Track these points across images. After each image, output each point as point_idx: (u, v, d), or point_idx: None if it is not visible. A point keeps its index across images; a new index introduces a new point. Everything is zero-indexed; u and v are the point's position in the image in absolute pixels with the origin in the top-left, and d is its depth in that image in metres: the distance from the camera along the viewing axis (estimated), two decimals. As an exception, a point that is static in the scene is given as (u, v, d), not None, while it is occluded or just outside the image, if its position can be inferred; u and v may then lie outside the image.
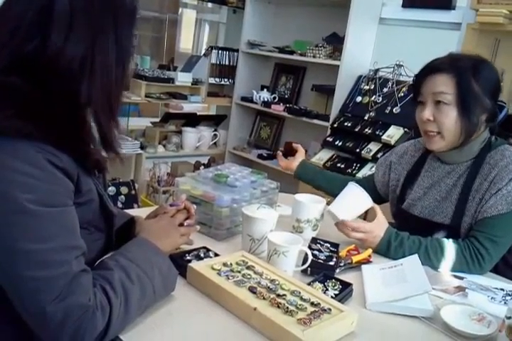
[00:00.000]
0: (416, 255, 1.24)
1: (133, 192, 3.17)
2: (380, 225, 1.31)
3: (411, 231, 1.35)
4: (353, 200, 1.33)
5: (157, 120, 3.79)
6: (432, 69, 1.34)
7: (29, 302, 0.73)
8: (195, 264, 1.06)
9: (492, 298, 1.15)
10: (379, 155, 2.76)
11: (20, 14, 0.77)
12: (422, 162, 1.50)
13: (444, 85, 1.30)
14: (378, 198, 1.59)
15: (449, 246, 1.28)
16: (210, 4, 3.96)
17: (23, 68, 0.77)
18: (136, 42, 0.88)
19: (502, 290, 1.20)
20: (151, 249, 0.94)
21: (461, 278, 1.24)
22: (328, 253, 1.23)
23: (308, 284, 1.05)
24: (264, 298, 0.95)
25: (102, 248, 0.97)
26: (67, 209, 0.77)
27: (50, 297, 0.72)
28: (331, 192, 1.42)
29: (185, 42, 5.68)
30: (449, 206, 1.38)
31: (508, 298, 1.16)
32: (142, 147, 3.38)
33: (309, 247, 1.22)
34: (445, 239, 1.31)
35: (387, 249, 1.30)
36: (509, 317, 0.92)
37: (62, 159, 0.76)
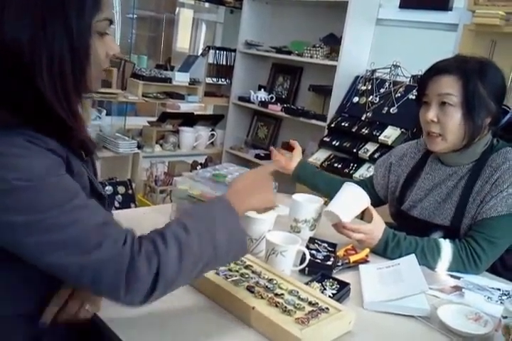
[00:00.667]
0: (413, 255, 1.24)
1: (130, 191, 3.17)
2: (378, 226, 1.31)
3: (410, 231, 1.35)
4: (352, 200, 1.31)
5: (154, 119, 3.78)
6: (438, 70, 1.33)
7: (66, 266, 0.72)
8: (193, 264, 1.06)
9: (488, 297, 1.16)
10: (376, 156, 2.77)
11: None
12: (423, 164, 1.49)
13: (450, 87, 1.30)
14: (377, 200, 1.59)
15: (446, 247, 1.29)
16: (207, 4, 3.97)
17: None
18: (104, 29, 0.81)
19: (498, 290, 1.21)
20: (222, 205, 0.87)
21: (458, 278, 1.25)
22: (325, 253, 1.23)
23: (306, 284, 1.06)
24: (262, 298, 0.95)
25: None
26: (61, 177, 0.76)
27: (80, 251, 0.71)
28: (329, 195, 1.40)
29: (183, 42, 5.68)
30: (449, 208, 1.39)
31: (504, 297, 1.16)
32: (139, 146, 3.37)
33: (307, 247, 1.22)
34: (442, 239, 1.31)
35: (384, 250, 1.31)
36: (505, 317, 0.93)
37: (47, 142, 0.75)
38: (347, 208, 1.30)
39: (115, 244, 0.73)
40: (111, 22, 0.83)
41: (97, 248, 0.72)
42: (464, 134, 1.32)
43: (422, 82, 1.37)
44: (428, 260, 1.28)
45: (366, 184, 1.63)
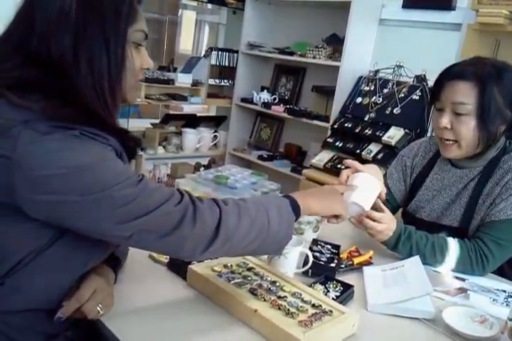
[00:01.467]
0: (417, 257, 1.23)
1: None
2: (392, 218, 1.27)
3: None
4: (368, 188, 1.21)
5: (157, 121, 3.78)
6: (454, 75, 1.28)
7: (137, 229, 0.78)
8: (195, 266, 1.05)
9: (494, 299, 1.15)
10: (379, 157, 2.76)
11: (19, 12, 0.83)
12: (432, 164, 1.47)
13: (464, 95, 1.26)
14: (396, 206, 1.53)
15: (456, 246, 1.27)
16: (210, 5, 3.97)
17: (36, 63, 0.80)
18: (140, 41, 0.87)
19: (504, 291, 1.19)
20: (277, 196, 0.97)
21: (463, 280, 1.24)
22: (329, 255, 1.22)
23: (310, 286, 1.05)
24: (264, 300, 0.94)
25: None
26: (117, 159, 0.81)
27: (146, 212, 0.78)
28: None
29: (185, 44, 5.69)
30: (458, 209, 1.37)
31: (510, 299, 1.15)
32: (142, 148, 3.37)
33: (310, 249, 1.21)
34: (451, 238, 1.29)
35: (396, 242, 1.27)
36: (511, 319, 0.91)
37: (107, 138, 0.80)
38: (366, 197, 1.19)
39: (176, 199, 0.81)
40: (146, 36, 0.88)
41: (160, 205, 0.79)
42: (478, 142, 1.29)
43: (436, 86, 1.33)
44: (436, 257, 1.26)
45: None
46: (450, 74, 1.30)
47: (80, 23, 0.79)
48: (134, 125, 3.81)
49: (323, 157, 3.09)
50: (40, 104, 0.76)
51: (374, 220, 1.23)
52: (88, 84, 0.80)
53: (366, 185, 1.20)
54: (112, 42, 0.81)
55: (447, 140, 1.32)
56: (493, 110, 1.25)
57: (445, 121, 1.30)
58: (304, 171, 3.14)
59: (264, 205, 0.90)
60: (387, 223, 1.25)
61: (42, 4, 0.80)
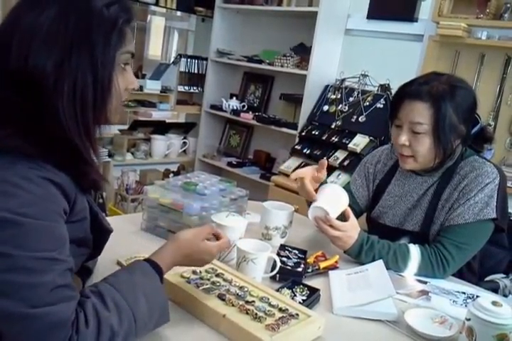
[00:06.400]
0: (381, 260, 1.27)
1: (101, 200, 3.13)
2: (354, 226, 1.31)
3: (380, 237, 1.37)
4: (337, 199, 1.30)
5: (125, 127, 3.76)
6: (410, 95, 1.32)
7: (6, 310, 0.69)
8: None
9: (454, 301, 1.19)
10: (346, 163, 2.82)
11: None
12: (394, 170, 1.52)
13: (421, 115, 1.30)
14: (359, 211, 1.58)
15: (416, 251, 1.31)
16: (179, 12, 3.96)
17: (11, 83, 0.75)
18: (126, 61, 0.85)
19: (463, 293, 1.24)
20: (143, 271, 0.86)
21: (425, 283, 1.28)
22: (296, 260, 1.25)
23: (277, 290, 1.07)
24: (233, 305, 0.96)
25: (85, 261, 0.95)
26: (56, 224, 0.75)
27: (29, 303, 0.69)
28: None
29: (154, 50, 5.66)
30: (418, 214, 1.42)
31: (468, 300, 1.20)
32: (110, 155, 3.34)
33: (278, 254, 1.24)
34: (412, 244, 1.34)
35: (358, 252, 1.31)
36: (469, 319, 0.95)
37: (60, 176, 0.76)
38: (333, 206, 1.28)
39: (66, 310, 0.71)
40: (132, 55, 0.86)
41: (47, 305, 0.70)
42: (435, 157, 1.34)
43: (394, 104, 1.37)
44: (399, 264, 1.30)
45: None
46: (407, 94, 1.33)
47: (66, 47, 0.75)
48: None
49: (291, 164, 3.13)
50: None
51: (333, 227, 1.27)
52: (69, 112, 0.75)
53: (335, 195, 1.29)
54: (99, 69, 0.77)
55: (406, 155, 1.37)
56: (447, 128, 1.30)
57: (403, 138, 1.34)
58: (273, 178, 3.17)
59: (129, 302, 0.78)
60: (346, 231, 1.28)
61: (28, 23, 0.75)
